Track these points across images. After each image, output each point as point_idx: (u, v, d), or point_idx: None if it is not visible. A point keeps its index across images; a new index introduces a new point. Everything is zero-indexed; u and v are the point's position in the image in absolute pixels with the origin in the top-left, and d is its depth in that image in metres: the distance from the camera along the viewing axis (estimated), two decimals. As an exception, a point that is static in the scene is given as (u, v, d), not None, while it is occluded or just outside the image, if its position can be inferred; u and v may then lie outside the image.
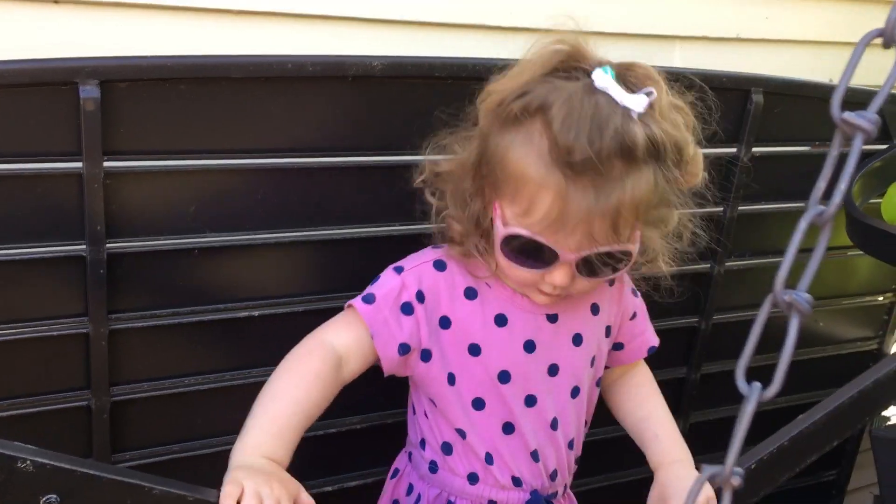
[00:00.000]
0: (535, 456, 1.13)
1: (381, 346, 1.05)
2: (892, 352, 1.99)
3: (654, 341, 1.26)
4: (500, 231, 0.98)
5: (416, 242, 1.35)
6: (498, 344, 1.08)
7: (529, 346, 1.09)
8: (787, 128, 1.61)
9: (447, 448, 1.13)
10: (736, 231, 1.62)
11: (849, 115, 0.45)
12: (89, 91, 1.06)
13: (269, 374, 1.31)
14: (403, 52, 1.37)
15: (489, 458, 1.12)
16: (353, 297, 1.33)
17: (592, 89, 0.93)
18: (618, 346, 1.23)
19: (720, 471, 0.46)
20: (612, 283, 1.17)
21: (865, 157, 1.71)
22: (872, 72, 2.15)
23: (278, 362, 1.31)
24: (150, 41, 1.32)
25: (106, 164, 1.11)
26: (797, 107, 1.60)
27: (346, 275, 1.34)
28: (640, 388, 1.26)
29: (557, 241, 0.95)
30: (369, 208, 1.32)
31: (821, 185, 0.46)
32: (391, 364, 1.07)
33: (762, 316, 0.48)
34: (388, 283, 1.08)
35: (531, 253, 0.98)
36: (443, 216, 1.08)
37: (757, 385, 0.46)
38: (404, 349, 1.06)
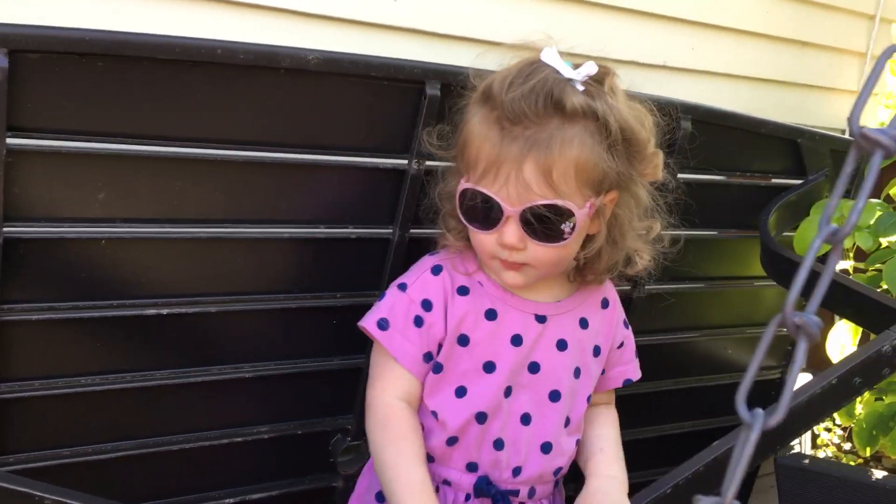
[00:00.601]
0: (497, 444, 1.14)
1: (409, 365, 1.12)
2: (797, 383, 2.05)
3: (634, 375, 1.29)
4: (458, 193, 1.08)
5: (340, 244, 1.31)
6: (487, 335, 1.13)
7: (517, 340, 1.14)
8: (711, 156, 1.63)
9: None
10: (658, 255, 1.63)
11: (868, 131, 0.43)
12: (-4, 60, 0.97)
13: (174, 377, 1.25)
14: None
15: (451, 441, 1.14)
16: (269, 298, 1.29)
17: (538, 63, 1.05)
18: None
19: (720, 501, 0.43)
20: (605, 304, 1.22)
21: (781, 191, 1.76)
22: (821, 116, 2.20)
23: (185, 364, 1.26)
24: (65, 15, 1.23)
25: (9, 140, 1.02)
26: (721, 136, 1.62)
27: (263, 276, 1.28)
28: (603, 411, 1.28)
29: (499, 193, 1.03)
30: (293, 207, 1.26)
31: (833, 202, 0.44)
32: (422, 371, 1.13)
33: (766, 339, 0.46)
34: (396, 304, 1.13)
35: (482, 210, 1.06)
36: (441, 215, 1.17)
37: (760, 412, 0.44)
38: (428, 357, 1.13)
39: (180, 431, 1.29)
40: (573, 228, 1.05)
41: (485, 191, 1.04)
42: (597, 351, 1.21)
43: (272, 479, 1.40)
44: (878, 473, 1.52)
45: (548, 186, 1.02)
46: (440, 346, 1.13)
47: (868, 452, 1.68)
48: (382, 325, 1.12)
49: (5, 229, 1.05)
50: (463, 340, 1.13)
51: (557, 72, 1.04)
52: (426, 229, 1.37)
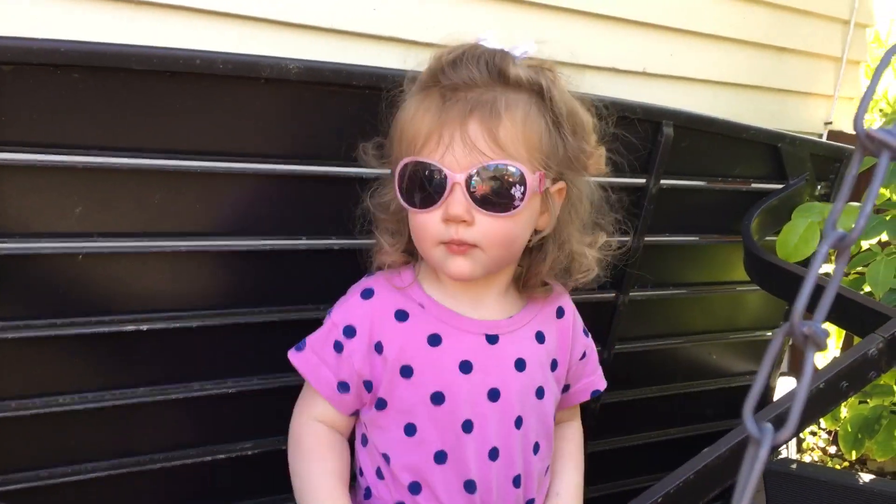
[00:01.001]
0: (469, 487, 1.05)
1: (321, 388, 1.06)
2: (777, 386, 2.05)
3: (601, 385, 1.24)
4: (397, 172, 1.01)
5: (322, 256, 1.29)
6: (431, 364, 1.04)
7: (465, 367, 1.05)
8: (692, 162, 1.63)
9: (379, 473, 1.08)
10: (641, 261, 1.62)
11: (874, 132, 0.42)
12: (-32, 72, 0.95)
13: (154, 394, 1.23)
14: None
15: (415, 488, 1.06)
16: (251, 312, 1.27)
17: (476, 45, 1.02)
18: (564, 389, 1.19)
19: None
20: (560, 313, 1.16)
21: (762, 195, 1.76)
22: (799, 120, 2.21)
23: (165, 381, 1.23)
24: (38, 26, 1.21)
25: (-18, 154, 0.99)
26: (703, 142, 1.63)
27: (245, 289, 1.26)
28: (564, 443, 1.22)
29: (443, 159, 0.97)
30: (275, 218, 1.24)
31: (839, 206, 0.43)
32: (340, 403, 1.07)
33: (773, 349, 0.45)
34: (321, 329, 1.09)
35: (424, 184, 0.98)
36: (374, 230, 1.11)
37: (769, 427, 0.43)
38: (343, 387, 1.06)
39: (162, 450, 1.26)
40: (524, 195, 0.97)
41: (426, 160, 0.97)
42: (554, 365, 1.14)
43: (257, 495, 1.37)
44: (866, 477, 1.52)
45: (496, 146, 0.96)
46: (364, 380, 1.05)
47: (854, 456, 1.68)
48: (300, 347, 1.08)
49: (-21, 246, 1.02)
50: (406, 372, 1.04)
51: (498, 48, 1.01)
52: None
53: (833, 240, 0.43)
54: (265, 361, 1.31)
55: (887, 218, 1.63)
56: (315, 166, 1.24)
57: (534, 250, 1.09)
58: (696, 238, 1.78)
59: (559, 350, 1.15)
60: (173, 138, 1.12)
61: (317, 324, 1.32)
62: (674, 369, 1.85)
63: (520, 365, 1.08)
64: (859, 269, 1.63)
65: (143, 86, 1.07)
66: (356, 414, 1.11)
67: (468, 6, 1.61)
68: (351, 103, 1.21)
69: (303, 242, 1.26)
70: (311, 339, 1.08)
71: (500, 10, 1.66)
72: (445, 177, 0.96)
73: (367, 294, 1.08)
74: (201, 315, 1.23)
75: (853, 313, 1.43)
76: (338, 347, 1.05)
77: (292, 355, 1.09)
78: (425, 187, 0.98)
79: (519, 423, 1.08)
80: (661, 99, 1.73)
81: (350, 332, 1.05)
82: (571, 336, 1.17)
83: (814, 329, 0.42)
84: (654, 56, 1.98)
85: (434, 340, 1.05)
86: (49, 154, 1.05)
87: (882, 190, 1.71)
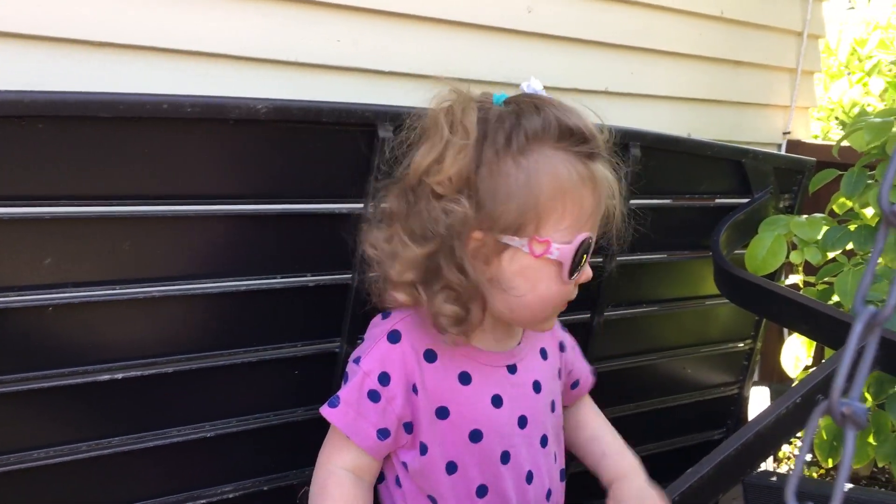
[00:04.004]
0: None
1: (360, 441, 1.03)
2: (750, 396, 2.07)
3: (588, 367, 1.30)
4: (565, 251, 0.97)
5: (297, 294, 1.28)
6: (465, 402, 1.05)
7: (497, 401, 1.06)
8: (659, 181, 1.65)
9: None
10: (615, 282, 1.63)
11: None
12: (-72, 127, 0.92)
13: (131, 443, 1.20)
14: (278, 95, 1.31)
15: None
16: (228, 354, 1.25)
17: (532, 98, 1.01)
18: (574, 385, 1.25)
19: None
20: None
21: (729, 210, 1.79)
22: (759, 132, 2.25)
23: (142, 429, 1.20)
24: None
25: (-54, 210, 0.97)
26: (669, 161, 1.64)
27: (220, 331, 1.24)
28: (582, 410, 1.28)
29: (595, 224, 1.02)
30: (248, 259, 1.23)
31: (867, 280, 0.43)
32: (379, 450, 1.05)
33: (811, 430, 0.44)
34: (350, 379, 1.06)
35: (584, 253, 1.00)
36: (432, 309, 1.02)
37: None
38: (384, 434, 1.04)
39: (141, 498, 1.23)
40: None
41: (590, 233, 1.00)
42: (560, 374, 1.19)
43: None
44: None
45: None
46: (404, 423, 1.05)
47: (830, 464, 1.70)
48: (333, 402, 1.05)
49: (-55, 303, 1.00)
50: (442, 413, 1.05)
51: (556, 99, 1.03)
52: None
53: (866, 318, 0.43)
54: (243, 403, 1.30)
55: (852, 228, 1.66)
56: (287, 204, 1.23)
57: None
58: (664, 255, 1.79)
59: (557, 357, 1.19)
60: (142, 184, 1.10)
61: (294, 361, 1.31)
62: (650, 385, 1.87)
63: (537, 387, 1.11)
64: (827, 279, 1.66)
65: (110, 133, 1.05)
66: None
67: (439, 35, 1.62)
68: (321, 140, 1.20)
69: (278, 281, 1.25)
70: (344, 394, 1.04)
71: (464, 37, 1.67)
72: (591, 241, 1.01)
73: (395, 337, 1.05)
74: (176, 360, 1.21)
75: (824, 326, 1.46)
76: (374, 397, 1.03)
77: (326, 412, 1.05)
78: (582, 258, 1.00)
79: (544, 441, 1.12)
80: (623, 117, 1.75)
81: (385, 378, 1.03)
82: (555, 338, 1.21)
83: (853, 408, 0.42)
84: (615, 75, 2.00)
85: (465, 379, 1.05)
86: (16, 207, 1.02)
87: (845, 201, 1.75)
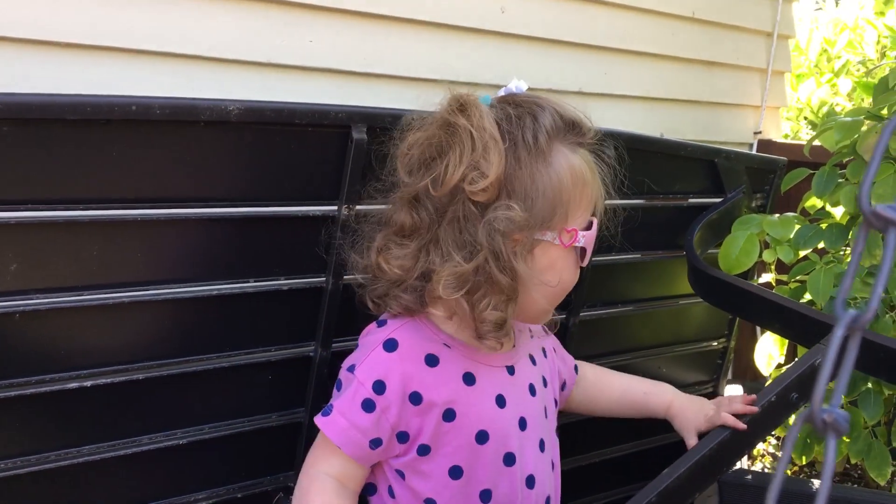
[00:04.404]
0: None
1: (351, 452, 1.03)
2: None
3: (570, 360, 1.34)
4: (588, 236, 1.05)
5: (270, 298, 1.26)
6: (471, 402, 1.05)
7: (501, 401, 1.07)
8: (633, 181, 1.65)
9: None
10: (590, 282, 1.63)
11: (881, 209, 0.41)
12: None
13: (101, 452, 1.18)
14: (251, 97, 1.29)
15: None
16: (200, 360, 1.23)
17: (521, 98, 1.04)
18: (563, 386, 1.28)
19: None
20: (528, 330, 1.21)
21: (702, 209, 1.79)
22: (731, 131, 2.25)
23: (112, 437, 1.18)
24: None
25: None
26: (643, 161, 1.64)
27: (192, 337, 1.22)
28: (592, 379, 1.33)
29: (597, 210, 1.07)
30: (220, 263, 1.21)
31: (847, 283, 0.42)
32: (369, 459, 1.05)
33: (792, 437, 0.44)
34: (344, 388, 1.05)
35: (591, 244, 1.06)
36: (381, 288, 1.06)
37: None
38: (376, 444, 1.03)
39: (112, 508, 1.21)
40: None
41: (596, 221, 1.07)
42: (545, 381, 1.18)
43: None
44: (819, 483, 1.55)
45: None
46: (398, 432, 1.03)
47: (804, 461, 1.72)
48: (326, 412, 1.04)
49: None
50: (448, 415, 1.03)
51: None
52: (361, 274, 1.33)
53: (846, 321, 0.42)
54: (215, 409, 1.28)
55: (823, 227, 1.67)
56: (259, 207, 1.21)
57: None
58: (638, 255, 1.80)
59: (543, 364, 1.20)
60: (110, 188, 1.08)
61: (267, 366, 1.30)
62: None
63: (532, 390, 1.13)
64: (800, 277, 1.67)
65: (77, 136, 1.03)
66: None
67: (412, 36, 1.61)
68: (294, 142, 1.19)
69: (250, 285, 1.23)
70: (338, 403, 1.03)
71: (437, 37, 1.66)
72: (593, 224, 1.07)
73: (391, 346, 1.04)
74: (147, 367, 1.19)
75: (798, 324, 1.46)
76: (368, 406, 1.01)
77: (319, 421, 1.04)
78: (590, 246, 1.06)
79: (542, 446, 1.13)
80: (597, 118, 1.75)
81: (380, 387, 1.02)
82: (538, 343, 1.22)
83: (834, 416, 0.41)
84: (589, 76, 2.00)
85: (469, 379, 1.05)
86: (-21, 212, 1.00)
87: (816, 200, 1.76)
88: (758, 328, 2.34)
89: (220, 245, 1.20)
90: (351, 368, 1.05)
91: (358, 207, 1.26)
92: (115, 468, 1.20)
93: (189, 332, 1.21)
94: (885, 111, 1.62)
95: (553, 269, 1.03)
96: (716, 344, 2.02)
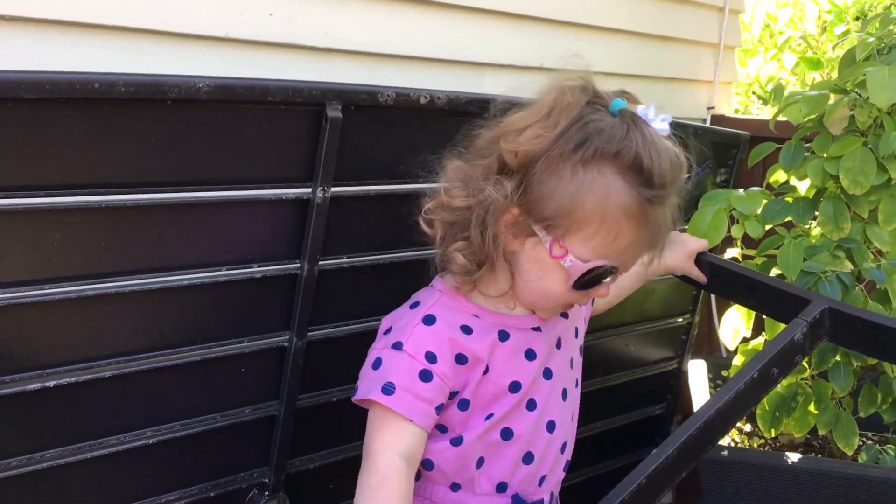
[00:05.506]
0: (527, 458, 1.13)
1: (422, 421, 1.04)
2: (688, 369, 2.09)
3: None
4: (577, 266, 1.02)
5: (244, 286, 1.20)
6: (505, 356, 1.10)
7: (531, 355, 1.13)
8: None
9: (428, 464, 1.10)
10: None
11: None
12: None
13: (67, 455, 1.11)
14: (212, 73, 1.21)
15: (480, 462, 1.11)
16: (169, 354, 1.17)
17: (635, 121, 1.01)
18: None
19: None
20: None
21: (669, 185, 1.78)
22: (686, 107, 2.23)
23: (78, 439, 1.11)
24: None
25: None
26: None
27: (161, 330, 1.16)
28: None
29: (626, 260, 1.05)
30: (190, 251, 1.14)
31: None
32: (434, 424, 1.07)
33: None
34: (397, 365, 1.05)
35: (600, 276, 1.04)
36: (445, 250, 1.09)
37: None
38: (439, 409, 1.07)
39: (79, 514, 1.14)
40: None
41: (616, 263, 1.04)
42: (577, 333, 1.25)
43: None
44: (793, 456, 1.57)
45: None
46: (452, 392, 1.07)
47: (773, 433, 1.73)
48: (388, 389, 1.02)
49: None
50: (485, 370, 1.09)
51: (654, 130, 1.03)
52: (335, 260, 1.28)
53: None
54: (186, 405, 1.22)
55: (790, 201, 1.67)
56: (231, 191, 1.14)
57: None
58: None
59: (577, 315, 1.23)
60: (72, 172, 1.00)
61: (240, 358, 1.23)
62: (594, 364, 1.85)
63: (558, 344, 1.17)
64: (769, 251, 1.67)
65: (36, 115, 0.95)
66: None
67: (377, 11, 1.54)
68: (267, 120, 1.12)
69: (222, 273, 1.17)
70: (397, 378, 1.03)
71: (400, 13, 1.60)
72: (615, 273, 1.05)
73: (430, 320, 1.08)
74: (114, 363, 1.12)
75: (773, 299, 1.46)
76: (425, 376, 1.04)
77: (383, 399, 1.02)
78: (599, 279, 1.05)
79: (564, 395, 1.18)
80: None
81: (432, 357, 1.05)
82: None
83: None
84: (550, 51, 1.96)
85: (503, 336, 1.10)
86: (-71, 201, 0.91)
87: (780, 175, 1.77)
88: (713, 302, 2.36)
89: (190, 231, 1.13)
90: (397, 345, 1.06)
91: (333, 190, 1.21)
92: (81, 472, 1.13)
93: (158, 326, 1.15)
94: (849, 84, 1.63)
95: (536, 266, 1.06)
96: (681, 320, 2.02)
